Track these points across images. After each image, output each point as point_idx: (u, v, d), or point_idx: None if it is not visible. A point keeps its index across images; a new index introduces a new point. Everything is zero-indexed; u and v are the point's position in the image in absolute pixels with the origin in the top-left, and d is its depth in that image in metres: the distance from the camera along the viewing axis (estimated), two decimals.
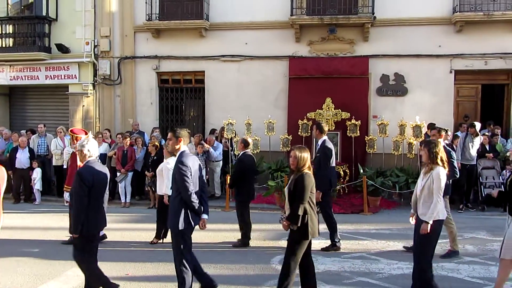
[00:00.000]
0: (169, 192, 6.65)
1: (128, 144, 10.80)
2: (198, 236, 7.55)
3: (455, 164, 6.80)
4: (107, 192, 5.00)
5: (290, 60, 12.35)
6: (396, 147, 11.12)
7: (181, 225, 4.60)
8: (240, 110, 12.14)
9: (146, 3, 12.56)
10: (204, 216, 4.82)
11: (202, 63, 12.87)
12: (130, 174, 10.77)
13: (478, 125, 9.90)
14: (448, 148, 6.94)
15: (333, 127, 11.53)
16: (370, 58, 12.04)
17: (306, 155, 4.66)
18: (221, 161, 11.31)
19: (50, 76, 13.57)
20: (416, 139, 10.83)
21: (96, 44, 13.30)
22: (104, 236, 7.30)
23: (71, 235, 4.84)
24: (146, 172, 10.45)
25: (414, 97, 11.93)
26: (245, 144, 7.40)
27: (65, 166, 10.18)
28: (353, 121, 11.42)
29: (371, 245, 7.23)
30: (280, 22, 12.24)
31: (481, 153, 10.48)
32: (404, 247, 6.93)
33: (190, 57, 12.88)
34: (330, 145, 7.08)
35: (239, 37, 12.57)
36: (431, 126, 10.88)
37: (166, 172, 6.77)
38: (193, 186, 4.59)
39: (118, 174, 10.62)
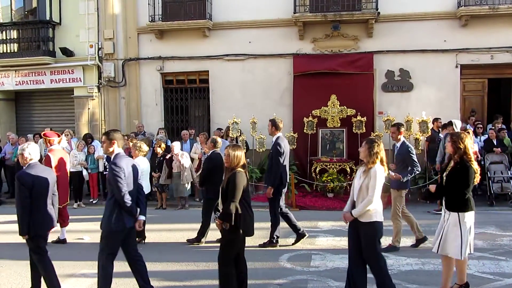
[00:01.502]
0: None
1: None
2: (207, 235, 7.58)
3: (414, 158, 6.71)
4: (55, 193, 5.14)
5: (294, 57, 12.32)
6: None
7: (113, 227, 4.65)
8: (245, 108, 12.14)
9: (148, 4, 12.58)
10: (141, 217, 4.87)
11: (206, 62, 12.88)
12: None
13: (458, 123, 9.40)
14: (407, 143, 6.93)
15: (339, 124, 11.50)
16: (375, 54, 11.98)
17: (239, 153, 4.66)
18: None
19: (55, 80, 13.64)
20: (422, 134, 10.77)
21: (100, 46, 13.34)
22: (64, 241, 7.48)
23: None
24: (153, 173, 10.48)
25: (420, 93, 11.86)
26: (215, 143, 7.54)
27: (71, 170, 10.20)
28: (359, 117, 11.37)
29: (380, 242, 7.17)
30: (283, 20, 12.22)
31: (489, 148, 10.40)
32: (412, 245, 6.91)
33: (194, 57, 12.89)
34: (283, 142, 7.11)
35: (243, 36, 12.55)
36: (439, 122, 10.87)
37: None
38: (126, 187, 4.66)
39: None
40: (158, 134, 11.85)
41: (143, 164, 7.40)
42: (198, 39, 12.72)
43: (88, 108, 13.57)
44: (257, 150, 11.67)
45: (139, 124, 12.75)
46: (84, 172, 10.97)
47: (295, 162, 11.59)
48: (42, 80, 13.75)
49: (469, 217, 4.80)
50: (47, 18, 13.40)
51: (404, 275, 5.60)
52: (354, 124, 11.42)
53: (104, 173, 11.06)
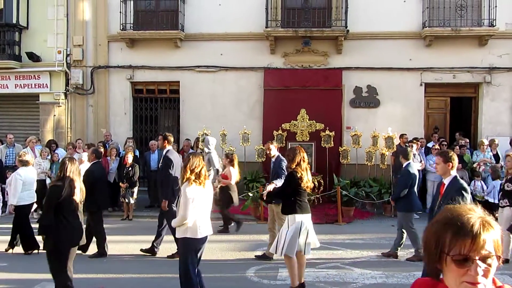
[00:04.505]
0: (14, 202, 7.09)
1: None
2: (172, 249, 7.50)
3: (284, 171, 6.74)
4: None
5: (265, 71, 12.46)
6: (369, 158, 11.31)
7: None
8: (215, 120, 12.14)
9: (120, 12, 12.46)
10: None
11: (177, 73, 12.83)
12: None
13: (212, 141, 9.22)
14: (281, 157, 7.09)
15: (308, 138, 11.65)
16: (344, 70, 12.26)
17: (68, 166, 4.82)
18: None
19: (20, 85, 13.24)
20: (388, 150, 11.06)
21: (68, 53, 13.08)
22: None
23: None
24: (120, 183, 10.32)
25: (386, 109, 12.20)
26: (97, 154, 7.58)
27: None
28: (327, 132, 11.56)
29: (345, 255, 7.31)
30: (255, 34, 12.35)
31: None
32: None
33: (165, 67, 12.82)
34: (172, 155, 7.25)
35: (215, 48, 12.60)
36: (405, 137, 11.20)
37: (14, 182, 7.16)
38: None
39: None
40: (126, 143, 11.66)
41: (25, 175, 7.30)
42: (170, 50, 12.68)
43: (54, 115, 13.21)
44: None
45: (107, 133, 12.52)
46: (48, 181, 10.63)
47: (264, 175, 11.65)
48: (6, 85, 13.32)
49: (299, 219, 5.30)
50: (14, 21, 13.01)
51: None
52: (322, 138, 11.60)
53: None
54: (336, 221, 9.91)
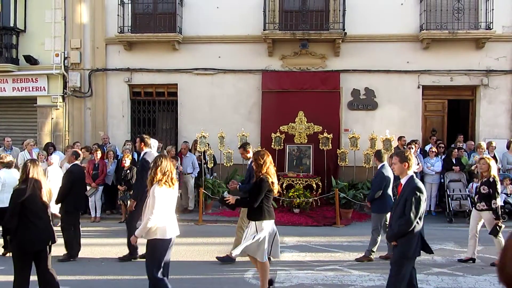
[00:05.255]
0: None
1: (99, 157, 10.60)
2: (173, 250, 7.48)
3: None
4: None
5: (263, 74, 12.47)
6: (367, 160, 11.31)
7: None
8: (213, 123, 12.14)
9: (118, 15, 12.46)
10: None
11: (175, 76, 12.84)
12: (101, 188, 10.56)
13: (154, 143, 8.09)
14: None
15: (306, 140, 11.66)
16: (341, 73, 12.29)
17: (30, 169, 4.86)
18: (194, 173, 11.22)
19: (18, 88, 13.22)
20: (386, 152, 11.05)
21: (66, 56, 13.07)
22: None
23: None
24: (118, 186, 10.30)
25: (384, 111, 12.22)
26: (76, 156, 7.60)
27: None
28: (325, 134, 11.57)
29: (343, 257, 7.30)
30: (253, 37, 12.37)
31: (448, 167, 10.79)
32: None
33: (163, 70, 12.82)
34: (149, 157, 7.10)
35: (212, 50, 12.61)
36: (403, 140, 11.21)
37: None
38: None
39: (88, 188, 10.37)
40: (124, 145, 11.64)
41: (6, 177, 7.23)
42: (168, 52, 12.68)
43: (52, 118, 13.19)
44: (224, 164, 11.66)
45: (105, 135, 12.52)
46: None
47: None
48: (4, 88, 13.29)
49: (267, 225, 5.25)
50: (11, 24, 13.01)
51: None
52: (320, 141, 11.60)
53: None
54: (334, 224, 9.91)
